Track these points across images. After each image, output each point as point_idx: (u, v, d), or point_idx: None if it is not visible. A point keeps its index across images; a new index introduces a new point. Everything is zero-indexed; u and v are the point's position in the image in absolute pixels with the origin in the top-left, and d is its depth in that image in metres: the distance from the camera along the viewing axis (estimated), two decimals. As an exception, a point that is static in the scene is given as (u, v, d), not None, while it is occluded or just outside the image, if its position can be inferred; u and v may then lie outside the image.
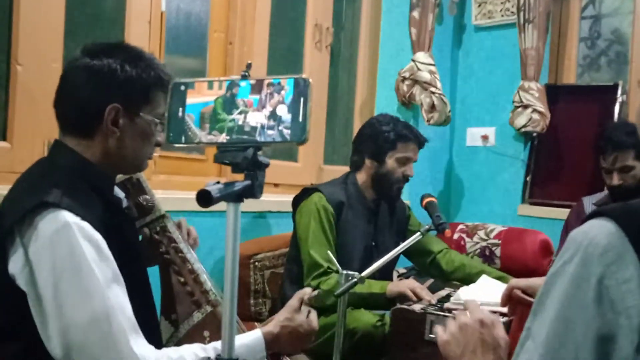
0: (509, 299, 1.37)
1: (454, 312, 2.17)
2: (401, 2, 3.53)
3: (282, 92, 0.90)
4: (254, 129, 0.91)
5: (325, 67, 3.32)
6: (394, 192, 2.66)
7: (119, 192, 1.49)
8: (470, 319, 1.06)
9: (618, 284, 0.71)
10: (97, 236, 1.24)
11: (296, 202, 2.62)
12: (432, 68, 3.49)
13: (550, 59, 3.79)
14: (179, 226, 1.68)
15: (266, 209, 2.85)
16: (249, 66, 0.96)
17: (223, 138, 0.92)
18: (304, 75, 0.91)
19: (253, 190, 0.90)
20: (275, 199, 2.91)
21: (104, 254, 1.24)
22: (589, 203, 2.79)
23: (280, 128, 0.90)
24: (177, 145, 0.95)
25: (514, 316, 1.42)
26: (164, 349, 1.32)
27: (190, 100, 0.95)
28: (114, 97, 1.35)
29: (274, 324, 1.44)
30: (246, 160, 0.90)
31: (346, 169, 2.76)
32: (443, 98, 3.48)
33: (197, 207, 2.55)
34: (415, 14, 3.50)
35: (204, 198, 0.84)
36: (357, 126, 3.56)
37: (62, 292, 1.20)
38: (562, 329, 0.74)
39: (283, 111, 0.90)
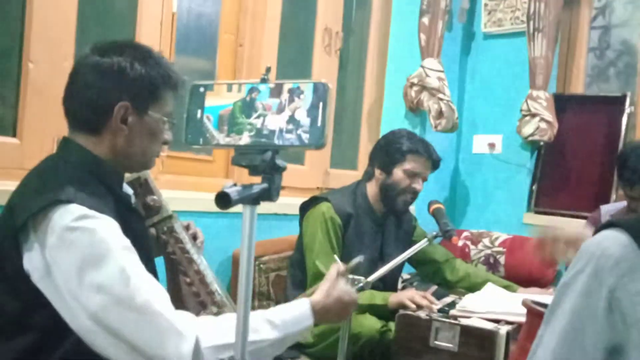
0: (542, 243, 1.35)
1: (459, 319, 2.17)
2: (411, 8, 3.53)
3: (302, 96, 0.91)
4: (272, 132, 0.91)
5: (334, 71, 3.32)
6: (400, 205, 2.62)
7: (127, 189, 1.50)
8: None
9: (630, 295, 0.71)
10: (113, 222, 1.25)
11: (304, 209, 2.61)
12: (441, 75, 3.49)
13: (559, 69, 3.79)
14: (187, 228, 1.68)
15: (272, 211, 2.85)
16: (268, 70, 0.96)
17: (242, 140, 0.92)
18: (323, 80, 0.91)
19: (270, 194, 0.90)
20: (281, 202, 2.88)
21: (120, 236, 1.25)
22: (606, 213, 2.77)
23: (298, 132, 0.90)
24: (195, 147, 0.95)
25: (524, 324, 1.42)
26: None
27: (209, 102, 0.95)
28: (123, 95, 1.35)
29: (319, 293, 1.44)
30: (264, 163, 0.90)
31: (352, 173, 2.76)
32: (451, 105, 3.48)
33: (203, 208, 2.55)
34: (425, 20, 3.50)
35: (223, 200, 0.84)
36: (364, 131, 3.57)
37: (85, 278, 1.19)
38: (571, 338, 0.74)
39: (302, 115, 0.90)
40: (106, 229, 1.24)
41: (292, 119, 0.91)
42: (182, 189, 2.59)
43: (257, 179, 0.93)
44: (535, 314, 1.31)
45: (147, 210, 1.62)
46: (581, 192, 3.58)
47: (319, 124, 0.90)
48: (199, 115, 0.95)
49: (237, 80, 0.86)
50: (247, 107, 0.93)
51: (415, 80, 3.50)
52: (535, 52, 3.53)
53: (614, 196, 3.38)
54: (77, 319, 1.21)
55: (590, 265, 0.74)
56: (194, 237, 1.71)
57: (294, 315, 1.36)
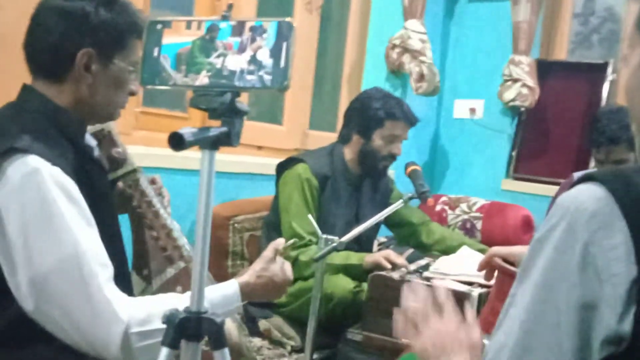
0: (487, 265, 1.35)
1: (432, 280, 2.16)
2: (395, -33, 3.46)
3: (264, 35, 0.86)
4: (232, 73, 0.86)
5: (315, 30, 3.25)
6: (379, 170, 2.63)
7: (90, 140, 1.45)
8: (445, 321, 1.03)
9: (604, 251, 0.68)
10: (68, 181, 1.21)
11: (280, 170, 2.58)
12: (424, 37, 3.43)
13: (542, 34, 3.74)
14: (152, 182, 1.64)
15: (248, 171, 2.81)
16: (230, 7, 0.91)
17: (200, 81, 0.87)
18: (287, 19, 0.86)
19: (230, 138, 0.86)
20: (257, 161, 2.87)
21: (75, 199, 1.20)
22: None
23: (260, 73, 0.85)
24: (150, 87, 0.91)
25: (493, 285, 1.40)
26: (138, 298, 1.30)
27: (167, 40, 0.90)
28: (86, 41, 1.29)
29: (249, 274, 1.42)
30: (223, 106, 0.85)
31: (331, 135, 2.72)
32: (432, 68, 3.43)
33: (178, 165, 2.50)
34: (409, -20, 3.43)
35: (177, 141, 0.80)
36: (344, 92, 3.52)
37: (32, 238, 1.16)
38: (544, 295, 0.71)
39: (264, 56, 0.85)
40: (61, 187, 1.19)
41: (253, 60, 0.86)
42: (156, 145, 2.54)
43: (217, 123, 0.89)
44: (505, 273, 1.29)
45: (111, 163, 1.58)
46: (560, 159, 3.58)
47: (282, 65, 0.85)
48: (155, 53, 0.90)
49: (197, 17, 0.81)
50: (207, 45, 0.88)
51: (397, 42, 3.44)
52: (519, 16, 3.48)
53: (592, 163, 3.38)
54: (15, 276, 1.17)
55: (564, 220, 0.71)
56: (159, 193, 1.67)
57: (222, 296, 1.34)
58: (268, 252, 1.45)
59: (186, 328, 0.97)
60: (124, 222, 1.57)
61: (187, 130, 0.80)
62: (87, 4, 1.30)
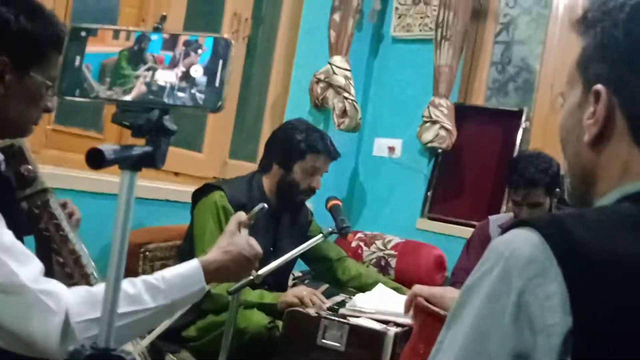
0: (411, 304, 1.32)
1: (349, 318, 2.12)
2: (323, 3, 3.48)
3: (199, 51, 0.80)
4: (162, 89, 0.80)
5: (240, 58, 3.21)
6: (297, 202, 2.61)
7: (-2, 155, 1.34)
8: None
9: (539, 300, 0.65)
10: None
11: (196, 197, 2.50)
12: (348, 73, 3.46)
13: (462, 79, 3.85)
14: (63, 206, 1.54)
15: (163, 197, 2.71)
16: (163, 18, 0.85)
17: (125, 96, 0.81)
18: (225, 35, 0.81)
19: (154, 159, 0.79)
20: (174, 188, 2.78)
21: None
22: (494, 223, 2.82)
23: (193, 91, 0.79)
24: (69, 98, 0.83)
25: (415, 325, 1.38)
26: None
27: (91, 49, 0.83)
28: (2, 50, 1.21)
29: (214, 251, 1.30)
30: (150, 123, 0.78)
31: (251, 165, 2.67)
32: (355, 104, 3.46)
33: (90, 188, 2.37)
34: (336, 17, 3.46)
35: (96, 158, 0.72)
36: (267, 123, 3.48)
37: None
38: (475, 344, 0.68)
39: (198, 73, 0.79)
40: None
41: (186, 76, 0.80)
42: (67, 166, 2.41)
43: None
44: (428, 314, 1.27)
45: (20, 181, 1.47)
46: (473, 201, 3.65)
47: (217, 84, 0.80)
48: (77, 62, 0.83)
49: (126, 26, 0.75)
50: (135, 57, 0.82)
51: (322, 77, 3.45)
52: (440, 60, 3.57)
53: (504, 207, 3.47)
54: None
55: (498, 267, 0.68)
56: (70, 216, 1.57)
57: (182, 278, 1.22)
58: (231, 225, 1.34)
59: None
60: (29, 244, 1.45)
61: (107, 147, 0.73)
62: (7, 10, 1.21)
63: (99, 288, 1.18)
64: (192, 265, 1.24)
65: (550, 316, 0.64)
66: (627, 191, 0.76)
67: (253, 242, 1.36)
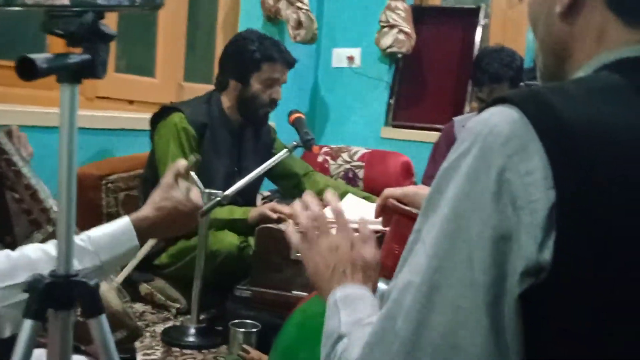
0: (383, 208, 1.29)
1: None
2: None
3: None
4: (94, -12, 0.71)
5: (185, -27, 3.06)
6: (260, 117, 2.52)
7: None
8: (339, 239, 0.98)
9: (520, 176, 0.62)
10: None
11: (155, 121, 2.42)
12: (299, -18, 3.33)
13: (417, -20, 3.75)
14: (8, 135, 1.45)
15: (120, 127, 2.62)
16: None
17: (54, 0, 0.72)
18: None
19: (94, 68, 0.71)
20: (129, 116, 2.68)
21: None
22: (459, 124, 2.80)
23: (128, -12, 0.71)
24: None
25: (389, 227, 1.36)
26: None
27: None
28: None
29: (147, 207, 1.19)
30: (84, 28, 0.70)
31: (208, 87, 2.59)
32: (310, 15, 3.34)
33: (40, 122, 2.27)
34: None
35: (26, 68, 0.64)
36: (219, 41, 3.36)
37: None
38: (454, 227, 0.65)
39: (132, -33, 0.71)
40: None
41: (118, -27, 0.72)
42: (14, 102, 2.30)
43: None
44: (401, 214, 1.24)
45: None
46: (437, 105, 3.63)
47: (154, -22, 0.72)
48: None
49: None
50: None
51: (272, -13, 3.31)
52: (394, -39, 3.45)
53: (467, 108, 3.45)
54: None
55: (476, 146, 0.65)
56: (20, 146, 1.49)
57: (111, 237, 1.11)
58: (167, 177, 1.22)
59: (53, 295, 0.81)
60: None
61: (39, 56, 0.65)
62: None
63: (22, 252, 1.05)
64: (122, 224, 1.14)
65: (533, 191, 0.62)
66: (605, 60, 0.72)
67: (193, 194, 1.23)
